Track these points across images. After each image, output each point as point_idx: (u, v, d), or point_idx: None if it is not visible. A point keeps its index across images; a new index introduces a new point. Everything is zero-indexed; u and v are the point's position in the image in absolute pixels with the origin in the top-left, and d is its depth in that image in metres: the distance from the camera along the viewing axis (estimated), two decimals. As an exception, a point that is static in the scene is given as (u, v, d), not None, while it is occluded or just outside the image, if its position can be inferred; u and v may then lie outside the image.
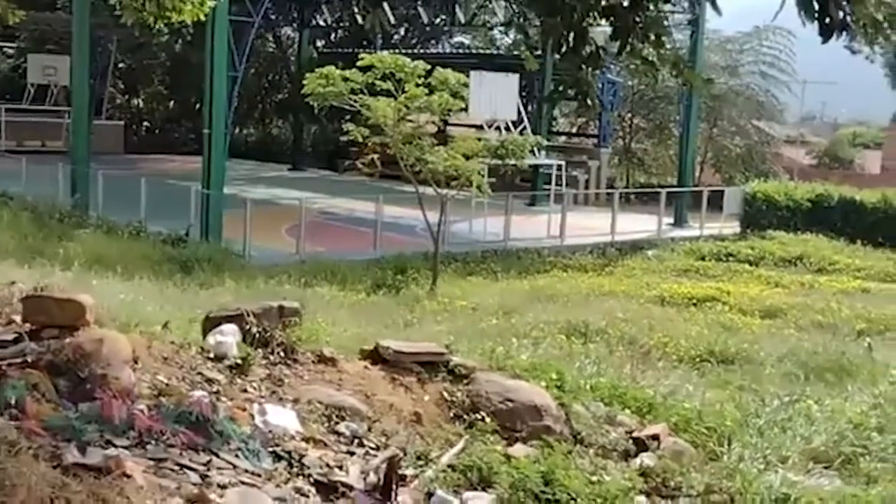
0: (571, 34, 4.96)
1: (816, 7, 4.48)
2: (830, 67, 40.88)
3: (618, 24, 4.86)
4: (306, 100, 19.68)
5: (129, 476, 3.74)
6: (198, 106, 46.07)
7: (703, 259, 24.16)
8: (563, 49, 5.05)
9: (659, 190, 30.23)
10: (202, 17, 8.97)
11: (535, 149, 23.11)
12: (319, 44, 47.42)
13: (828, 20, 4.54)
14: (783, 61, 42.09)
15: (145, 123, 50.69)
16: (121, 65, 46.79)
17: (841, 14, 4.54)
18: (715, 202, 29.75)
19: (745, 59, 42.18)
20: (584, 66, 5.10)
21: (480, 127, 29.36)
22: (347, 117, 20.62)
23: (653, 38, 4.75)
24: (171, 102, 49.90)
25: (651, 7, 4.77)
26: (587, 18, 5.00)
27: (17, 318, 5.65)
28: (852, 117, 69.83)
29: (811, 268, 23.33)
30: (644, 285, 19.77)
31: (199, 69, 30.47)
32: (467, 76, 21.64)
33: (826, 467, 6.39)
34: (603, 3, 4.98)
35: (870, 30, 4.66)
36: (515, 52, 36.73)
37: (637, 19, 4.69)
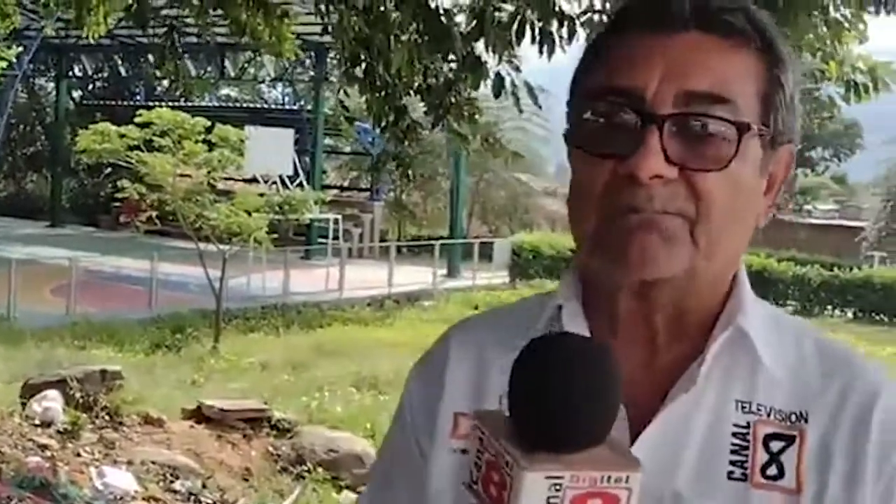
0: (392, 111, 5.44)
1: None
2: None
3: (433, 103, 5.38)
4: (79, 154, 19.07)
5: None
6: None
7: (476, 308, 25.08)
8: (384, 123, 5.52)
9: (432, 242, 31.24)
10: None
11: (312, 203, 23.44)
12: (76, 94, 45.56)
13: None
14: (539, 116, 44.70)
15: None
16: None
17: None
18: (485, 253, 31.15)
19: (506, 116, 44.47)
20: (403, 139, 5.58)
21: (254, 181, 29.32)
22: (108, 170, 20.16)
23: (467, 115, 5.31)
24: None
25: (464, 89, 5.32)
26: (406, 96, 5.50)
27: None
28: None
29: (573, 312, 24.83)
30: (424, 335, 20.40)
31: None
32: (240, 129, 21.71)
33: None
34: (418, 83, 5.48)
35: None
36: (288, 107, 37.07)
37: (452, 100, 5.23)
